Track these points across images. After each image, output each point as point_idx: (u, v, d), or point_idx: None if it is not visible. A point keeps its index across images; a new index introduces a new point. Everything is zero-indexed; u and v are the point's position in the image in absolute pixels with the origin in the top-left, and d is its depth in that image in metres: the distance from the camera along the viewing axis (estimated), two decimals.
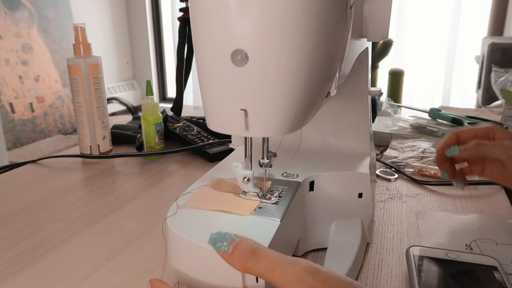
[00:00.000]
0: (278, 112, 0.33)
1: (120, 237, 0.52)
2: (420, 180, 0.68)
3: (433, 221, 0.55)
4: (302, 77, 0.33)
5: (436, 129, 0.88)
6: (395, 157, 0.77)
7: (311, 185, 0.46)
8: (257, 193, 0.42)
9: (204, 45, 0.33)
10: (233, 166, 0.41)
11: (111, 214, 0.58)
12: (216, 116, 0.36)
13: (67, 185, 0.69)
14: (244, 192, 0.42)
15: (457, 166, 0.54)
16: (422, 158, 0.76)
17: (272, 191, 0.43)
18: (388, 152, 0.80)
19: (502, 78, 1.58)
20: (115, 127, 0.93)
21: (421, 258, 0.43)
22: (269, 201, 0.41)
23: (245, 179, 0.41)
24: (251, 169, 0.41)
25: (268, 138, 0.41)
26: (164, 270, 0.44)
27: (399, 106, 1.05)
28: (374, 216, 0.56)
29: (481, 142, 0.49)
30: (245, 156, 0.41)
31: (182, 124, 0.87)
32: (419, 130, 0.90)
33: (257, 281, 0.34)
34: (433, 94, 2.91)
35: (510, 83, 1.55)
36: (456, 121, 0.90)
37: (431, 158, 0.75)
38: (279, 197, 0.42)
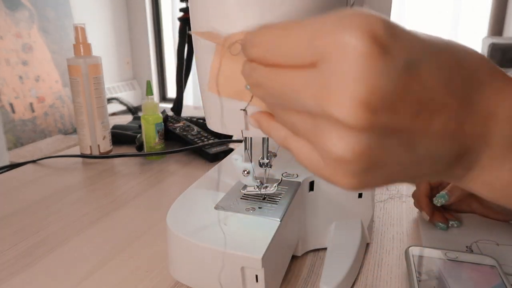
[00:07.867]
0: None
1: (120, 237, 0.52)
2: None
3: None
4: None
5: None
6: None
7: (311, 185, 0.46)
8: (257, 185, 0.42)
9: (204, 45, 0.33)
10: (233, 159, 0.41)
11: (111, 214, 0.58)
12: (216, 116, 0.36)
13: (67, 185, 0.69)
14: (245, 186, 0.43)
15: None
16: None
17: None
18: None
19: None
20: (115, 127, 0.93)
21: (420, 258, 0.43)
22: (265, 190, 0.41)
23: (245, 172, 0.41)
24: (251, 162, 0.41)
25: (268, 138, 0.41)
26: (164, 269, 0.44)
27: None
28: (374, 216, 0.56)
29: None
30: (245, 148, 0.41)
31: (182, 124, 0.87)
32: None
33: (256, 280, 0.34)
34: None
35: None
36: None
37: None
38: (279, 196, 0.42)
